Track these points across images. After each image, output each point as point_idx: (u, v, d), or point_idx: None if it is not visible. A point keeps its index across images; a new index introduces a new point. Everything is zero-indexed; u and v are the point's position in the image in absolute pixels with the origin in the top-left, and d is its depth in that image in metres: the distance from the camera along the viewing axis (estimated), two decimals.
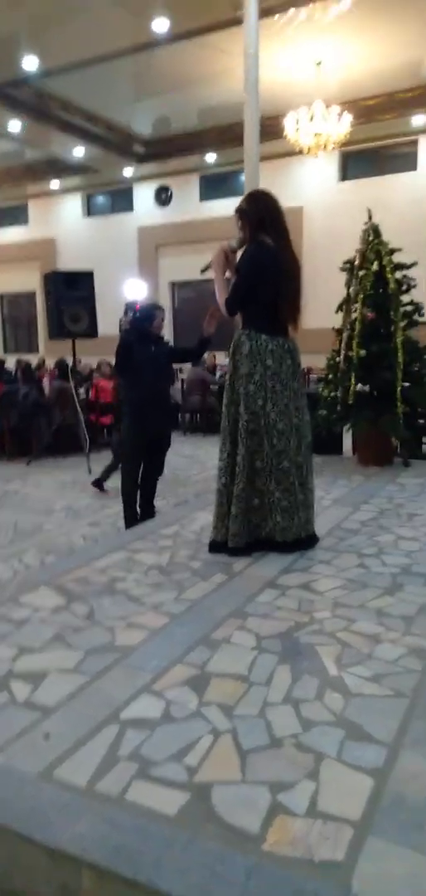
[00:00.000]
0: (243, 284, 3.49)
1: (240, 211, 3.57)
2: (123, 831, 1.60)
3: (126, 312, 5.08)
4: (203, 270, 3.77)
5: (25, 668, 2.41)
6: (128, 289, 6.38)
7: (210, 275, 3.67)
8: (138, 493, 5.12)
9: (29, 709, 2.15)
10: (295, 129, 11.54)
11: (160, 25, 9.53)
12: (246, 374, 3.43)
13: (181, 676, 2.29)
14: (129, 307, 5.11)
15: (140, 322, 5.01)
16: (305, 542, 3.58)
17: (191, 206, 17.04)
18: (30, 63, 10.81)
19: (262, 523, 3.52)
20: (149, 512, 5.11)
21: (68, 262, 16.44)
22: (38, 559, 4.76)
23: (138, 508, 5.13)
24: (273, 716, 2.05)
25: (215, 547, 3.59)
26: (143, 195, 17.92)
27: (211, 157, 15.67)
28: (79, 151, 15.23)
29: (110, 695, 2.20)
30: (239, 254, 3.62)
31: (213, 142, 14.60)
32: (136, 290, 6.32)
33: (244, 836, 1.56)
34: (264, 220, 3.46)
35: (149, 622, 2.74)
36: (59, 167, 16.62)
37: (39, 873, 1.63)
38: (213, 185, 16.74)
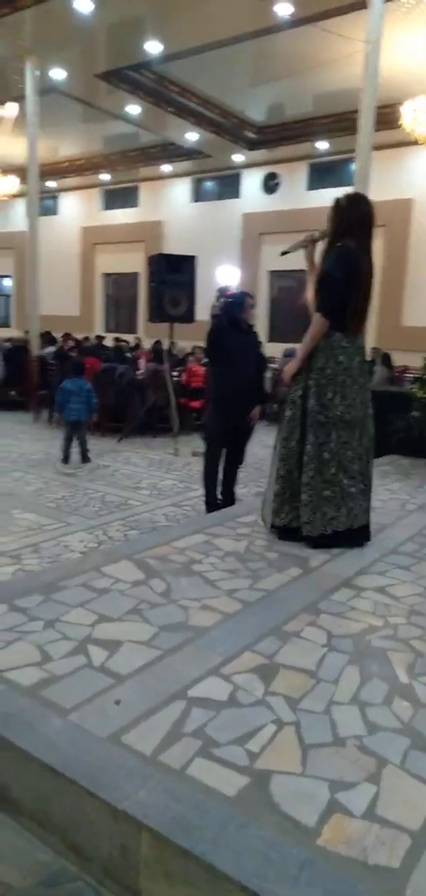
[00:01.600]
0: (341, 291, 3.54)
1: (337, 206, 3.66)
2: (183, 803, 1.65)
3: (218, 298, 5.12)
4: (283, 254, 3.93)
5: (103, 635, 2.52)
6: (221, 274, 6.40)
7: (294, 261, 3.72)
8: (217, 480, 5.17)
9: (103, 674, 2.25)
10: (412, 118, 11.14)
11: (283, 9, 9.43)
12: (319, 367, 3.57)
13: (250, 663, 2.33)
14: (221, 292, 5.14)
15: (231, 308, 5.04)
16: (366, 529, 3.72)
17: (297, 194, 16.84)
18: (153, 47, 11.02)
19: (337, 514, 3.60)
20: (229, 499, 5.16)
21: (173, 245, 16.70)
22: (122, 533, 4.93)
23: (219, 494, 5.19)
24: (338, 715, 2.05)
25: (286, 533, 3.70)
26: (251, 182, 17.89)
27: (322, 145, 15.42)
28: (192, 136, 15.41)
29: (180, 672, 2.26)
30: (318, 246, 3.75)
31: (326, 129, 14.35)
32: (228, 276, 6.33)
33: (300, 829, 1.58)
34: (352, 227, 3.57)
35: (222, 606, 2.79)
36: (172, 151, 16.89)
37: (102, 830, 1.71)
38: (322, 174, 16.47)
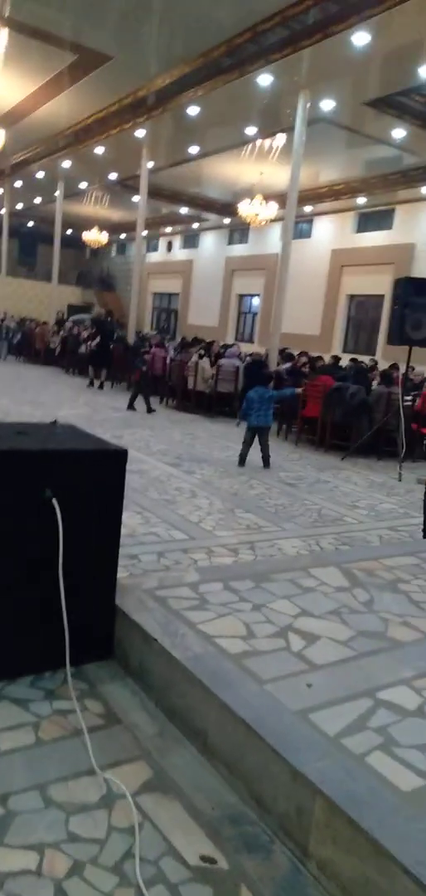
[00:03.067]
0: None
1: None
2: (357, 783, 1.78)
3: None
4: None
5: (303, 627, 2.72)
6: None
7: None
8: None
9: (299, 659, 2.45)
10: None
11: None
12: None
13: None
14: None
15: None
16: None
17: None
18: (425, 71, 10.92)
19: None
20: None
21: (424, 270, 16.28)
22: (334, 546, 5.06)
23: None
24: None
25: None
26: None
27: None
28: None
29: (372, 674, 2.37)
30: None
31: None
32: None
33: None
34: None
35: (424, 627, 2.81)
36: None
37: (282, 788, 1.91)
38: None
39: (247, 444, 7.62)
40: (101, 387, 14.09)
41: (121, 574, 2.86)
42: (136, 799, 1.94)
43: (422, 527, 5.18)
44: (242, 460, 7.60)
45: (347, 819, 1.68)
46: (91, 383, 14.26)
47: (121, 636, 2.71)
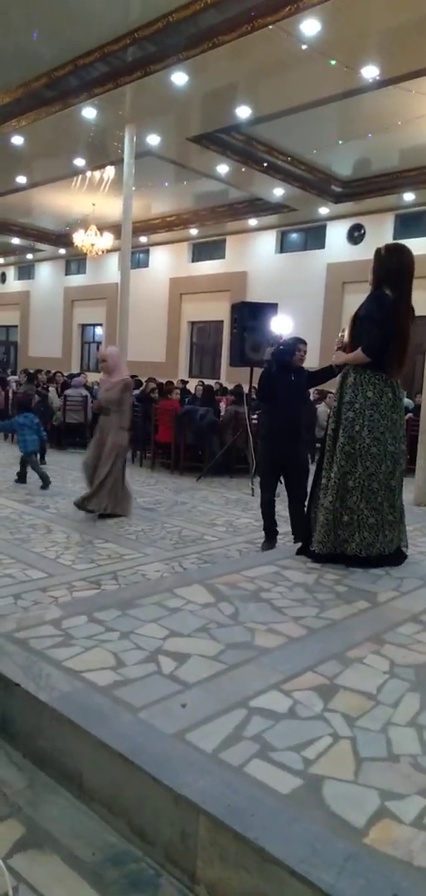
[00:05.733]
0: (380, 333, 3.80)
1: (377, 256, 3.96)
2: (238, 794, 1.77)
3: (270, 344, 5.65)
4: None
5: (173, 648, 2.68)
6: (274, 324, 6.95)
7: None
8: (274, 509, 5.57)
9: (172, 680, 2.41)
10: None
11: (369, 72, 9.70)
12: (348, 401, 3.88)
13: (311, 683, 2.42)
14: (274, 340, 5.70)
15: (281, 354, 5.51)
16: (389, 558, 3.98)
17: (383, 244, 16.92)
18: (243, 112, 11.56)
19: (349, 538, 3.89)
20: (297, 535, 5.27)
21: (257, 295, 17.11)
22: (197, 566, 5.10)
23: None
24: (394, 734, 2.11)
25: (301, 551, 4.13)
26: (336, 233, 18.12)
27: (409, 197, 15.50)
28: (278, 191, 15.87)
29: (243, 684, 2.39)
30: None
31: (413, 182, 14.45)
32: (281, 326, 6.94)
33: (348, 827, 1.66)
34: (391, 274, 3.84)
35: (288, 631, 2.90)
36: (259, 206, 17.43)
37: (164, 815, 1.85)
38: (409, 225, 16.48)
39: (23, 465, 8.06)
40: None
41: None
42: (7, 862, 1.78)
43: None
44: (21, 478, 8.04)
45: (232, 833, 1.66)
46: None
47: None
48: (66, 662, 2.48)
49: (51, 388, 13.16)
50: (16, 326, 28.75)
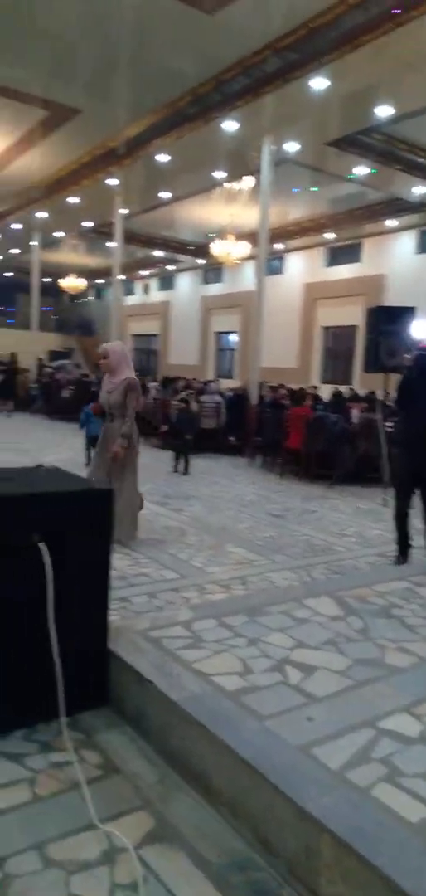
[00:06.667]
0: None
1: None
2: (365, 817, 1.74)
3: (410, 350, 5.26)
4: None
5: (300, 659, 2.68)
6: (415, 328, 6.56)
7: None
8: (408, 521, 5.20)
9: (298, 692, 2.41)
10: None
11: None
12: None
13: None
14: (413, 345, 5.27)
15: (422, 359, 5.15)
16: None
17: None
18: (383, 111, 11.27)
19: None
20: None
21: (395, 298, 16.56)
22: (325, 576, 5.03)
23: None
24: None
25: None
26: None
27: None
28: (419, 190, 15.28)
29: (372, 703, 2.34)
30: None
31: None
32: (422, 330, 6.50)
33: None
34: None
35: (420, 651, 2.79)
36: (398, 206, 16.89)
37: (289, 828, 1.86)
38: None
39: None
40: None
41: (112, 617, 2.81)
42: (138, 852, 1.87)
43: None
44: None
45: (357, 856, 1.63)
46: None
47: (115, 681, 2.65)
48: (195, 664, 2.56)
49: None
50: (156, 335, 29.99)
